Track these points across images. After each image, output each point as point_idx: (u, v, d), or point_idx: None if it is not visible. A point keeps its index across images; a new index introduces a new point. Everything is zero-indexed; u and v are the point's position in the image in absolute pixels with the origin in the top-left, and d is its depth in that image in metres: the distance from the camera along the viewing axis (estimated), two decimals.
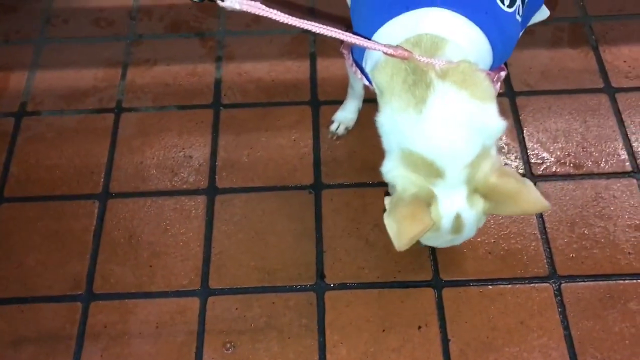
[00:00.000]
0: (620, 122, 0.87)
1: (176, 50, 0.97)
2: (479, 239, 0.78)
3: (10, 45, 0.98)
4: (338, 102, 0.89)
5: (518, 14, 0.65)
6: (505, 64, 0.70)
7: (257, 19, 1.01)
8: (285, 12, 0.55)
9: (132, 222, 0.80)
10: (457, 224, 0.62)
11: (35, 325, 0.73)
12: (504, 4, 0.62)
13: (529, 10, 0.69)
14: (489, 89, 0.59)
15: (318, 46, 0.97)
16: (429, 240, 0.67)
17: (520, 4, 0.65)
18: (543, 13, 0.76)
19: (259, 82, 0.93)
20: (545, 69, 0.93)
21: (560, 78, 0.92)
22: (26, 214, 0.80)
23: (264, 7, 0.56)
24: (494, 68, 0.64)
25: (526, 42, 0.95)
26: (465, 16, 0.58)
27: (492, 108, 0.59)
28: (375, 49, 0.57)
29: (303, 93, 0.93)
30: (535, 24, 0.94)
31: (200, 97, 0.92)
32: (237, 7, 0.59)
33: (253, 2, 0.57)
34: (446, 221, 0.61)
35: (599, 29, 0.97)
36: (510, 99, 0.90)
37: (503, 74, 0.68)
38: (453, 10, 0.58)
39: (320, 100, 0.92)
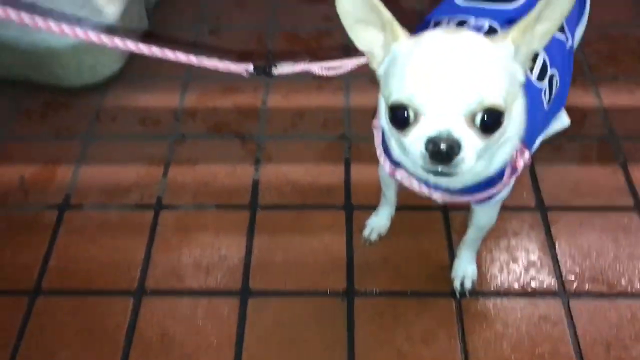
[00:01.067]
0: None
1: (217, 151, 1.02)
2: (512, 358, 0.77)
3: (60, 140, 1.03)
4: (371, 208, 0.91)
5: (544, 95, 0.67)
6: (533, 164, 0.71)
7: (295, 123, 1.07)
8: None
9: (165, 321, 0.80)
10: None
11: None
12: (532, 73, 0.65)
13: (552, 109, 0.71)
14: None
15: (353, 152, 1.01)
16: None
17: (547, 87, 0.68)
18: (563, 121, 0.79)
19: (295, 184, 0.97)
20: (575, 186, 0.95)
21: (590, 195, 0.94)
22: (61, 308, 0.82)
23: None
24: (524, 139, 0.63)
25: (556, 159, 0.99)
26: None
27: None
28: None
29: (337, 197, 0.96)
30: (560, 139, 0.97)
31: (238, 197, 0.95)
32: (286, 71, 0.66)
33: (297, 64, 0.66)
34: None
35: (627, 148, 1.00)
36: (542, 214, 0.92)
37: (527, 155, 0.66)
38: None
39: (354, 205, 0.95)
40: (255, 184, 0.96)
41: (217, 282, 0.85)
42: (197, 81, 1.13)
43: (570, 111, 0.99)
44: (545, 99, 0.67)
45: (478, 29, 0.65)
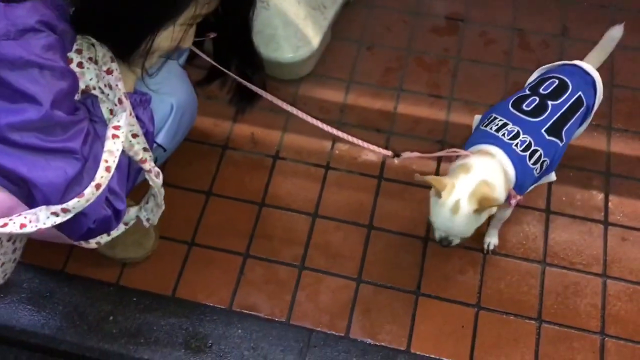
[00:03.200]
0: None
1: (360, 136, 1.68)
2: None
3: (274, 112, 1.71)
4: None
5: (529, 160, 1.20)
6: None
7: (412, 128, 1.69)
8: None
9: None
10: (455, 207, 1.12)
11: None
12: (518, 148, 1.19)
13: (541, 175, 1.29)
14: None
15: None
16: (434, 209, 1.17)
17: (534, 157, 1.20)
18: (550, 177, 1.37)
19: (407, 167, 1.62)
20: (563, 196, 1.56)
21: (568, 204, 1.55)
22: (271, 215, 1.55)
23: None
24: (515, 189, 1.23)
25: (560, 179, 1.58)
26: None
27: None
28: None
29: None
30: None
31: (371, 169, 1.63)
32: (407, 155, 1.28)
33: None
34: (450, 198, 1.13)
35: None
36: (546, 216, 1.54)
37: (519, 198, 1.25)
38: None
39: None
40: (383, 164, 1.63)
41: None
42: (358, 85, 1.77)
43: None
44: (532, 166, 1.22)
45: (511, 132, 1.25)
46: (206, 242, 1.50)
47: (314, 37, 1.64)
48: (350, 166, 1.61)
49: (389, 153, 1.23)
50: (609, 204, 1.55)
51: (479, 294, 1.43)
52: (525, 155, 1.21)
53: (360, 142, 1.23)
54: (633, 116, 1.68)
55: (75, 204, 0.94)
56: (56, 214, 0.94)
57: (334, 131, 1.24)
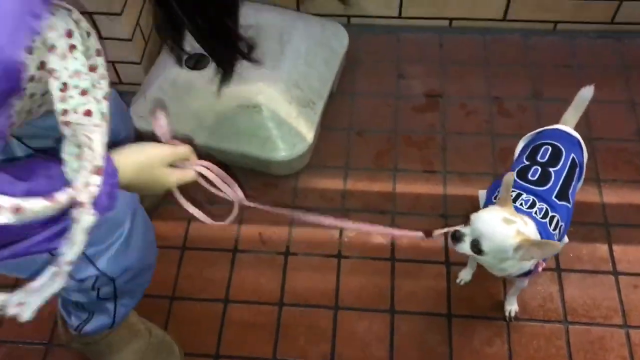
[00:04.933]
0: None
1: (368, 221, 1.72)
2: None
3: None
4: (463, 264, 1.59)
5: (550, 226, 1.27)
6: None
7: (414, 205, 1.74)
8: None
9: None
10: (507, 220, 1.10)
11: None
12: (538, 215, 1.27)
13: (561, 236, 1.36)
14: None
15: None
16: (483, 212, 1.14)
17: (553, 222, 1.28)
18: (564, 241, 1.43)
19: (414, 244, 1.66)
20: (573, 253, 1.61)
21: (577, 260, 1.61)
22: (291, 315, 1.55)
23: None
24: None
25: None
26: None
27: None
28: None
29: (440, 256, 1.65)
30: None
31: (380, 252, 1.66)
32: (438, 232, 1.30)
33: None
34: (507, 212, 1.12)
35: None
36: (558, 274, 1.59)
37: (544, 265, 1.30)
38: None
39: (451, 262, 1.64)
40: (393, 245, 1.67)
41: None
42: (354, 170, 1.82)
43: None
44: (553, 232, 1.31)
45: (527, 201, 1.31)
46: (231, 352, 1.48)
47: (308, 133, 1.70)
48: (362, 252, 1.64)
49: (421, 234, 1.19)
50: (614, 253, 1.60)
51: None
52: (546, 222, 1.25)
53: (393, 231, 1.24)
54: (616, 165, 1.77)
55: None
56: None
57: (363, 226, 1.24)
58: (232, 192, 1.07)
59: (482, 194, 1.42)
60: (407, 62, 2.03)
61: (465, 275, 1.54)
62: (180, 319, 1.54)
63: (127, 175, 0.83)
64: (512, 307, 1.50)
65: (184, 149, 0.96)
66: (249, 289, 1.58)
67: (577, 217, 1.63)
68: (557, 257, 1.60)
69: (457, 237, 1.17)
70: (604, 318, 1.50)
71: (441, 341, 1.48)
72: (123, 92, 1.76)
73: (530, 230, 1.16)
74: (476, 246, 1.14)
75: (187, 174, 0.98)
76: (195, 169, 0.99)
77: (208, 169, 1.01)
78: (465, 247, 1.16)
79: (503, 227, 1.11)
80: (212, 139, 1.68)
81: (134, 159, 0.87)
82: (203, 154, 1.74)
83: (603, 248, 1.62)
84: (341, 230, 1.67)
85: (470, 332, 1.49)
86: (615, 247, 1.61)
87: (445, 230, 1.25)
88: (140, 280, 1.22)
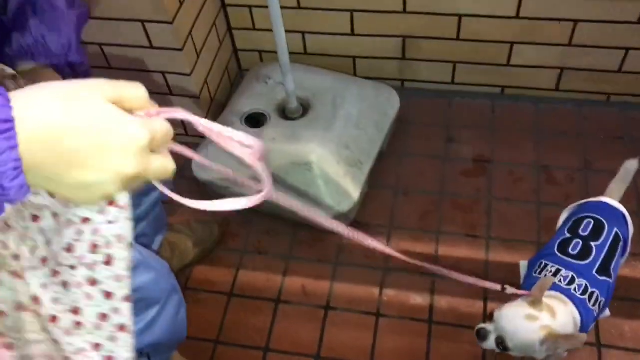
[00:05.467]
0: None
1: (413, 282, 1.76)
2: None
3: (321, 263, 1.82)
4: None
5: (589, 302, 1.27)
6: None
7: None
8: None
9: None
10: (530, 317, 1.14)
11: None
12: (577, 292, 1.28)
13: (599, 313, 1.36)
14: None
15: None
16: (510, 308, 1.18)
17: (593, 298, 1.28)
18: (606, 314, 1.42)
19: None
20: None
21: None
22: None
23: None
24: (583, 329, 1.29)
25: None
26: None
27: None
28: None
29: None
30: None
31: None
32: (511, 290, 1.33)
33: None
34: (533, 310, 1.15)
35: None
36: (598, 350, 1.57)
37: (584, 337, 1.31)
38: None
39: None
40: (431, 307, 1.70)
41: None
42: (398, 230, 1.88)
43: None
44: (592, 307, 1.31)
45: (566, 277, 1.32)
46: None
47: (354, 192, 1.77)
48: (401, 312, 1.67)
49: (499, 287, 1.19)
50: None
51: None
52: (585, 299, 1.26)
53: (469, 279, 1.19)
54: None
55: None
56: None
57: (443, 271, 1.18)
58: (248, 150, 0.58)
59: (523, 264, 1.44)
60: (458, 126, 2.09)
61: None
62: None
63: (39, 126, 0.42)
64: None
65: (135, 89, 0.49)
66: (289, 340, 1.64)
67: (622, 292, 1.63)
68: (597, 333, 1.58)
69: (481, 335, 1.20)
70: None
71: None
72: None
73: (560, 319, 1.18)
74: (501, 344, 1.18)
75: (167, 163, 0.52)
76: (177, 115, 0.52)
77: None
78: (490, 345, 1.20)
79: (527, 324, 1.13)
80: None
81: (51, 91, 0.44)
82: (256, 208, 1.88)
83: None
84: (381, 289, 1.72)
85: None
86: None
87: (515, 291, 1.27)
88: (165, 356, 1.28)
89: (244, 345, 1.64)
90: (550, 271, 1.31)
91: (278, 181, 1.78)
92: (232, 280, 1.78)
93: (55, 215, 0.84)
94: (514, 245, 1.76)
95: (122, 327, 0.86)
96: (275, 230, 1.88)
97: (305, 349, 1.62)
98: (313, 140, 1.76)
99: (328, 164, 1.75)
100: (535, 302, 1.17)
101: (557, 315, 1.17)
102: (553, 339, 1.12)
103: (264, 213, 1.88)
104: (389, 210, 1.90)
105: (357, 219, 1.86)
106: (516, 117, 2.10)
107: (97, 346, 0.84)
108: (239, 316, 1.71)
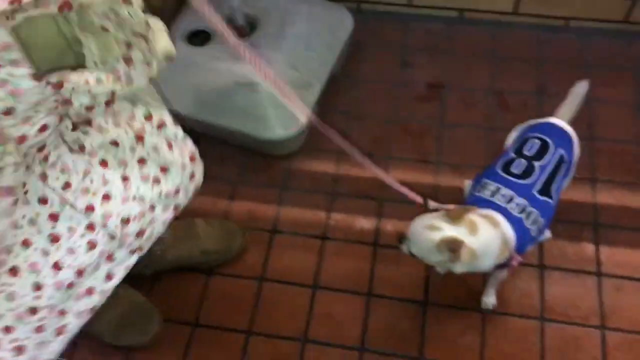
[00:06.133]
0: None
1: (358, 207, 1.73)
2: None
3: (268, 188, 1.78)
4: None
5: (527, 221, 1.24)
6: None
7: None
8: None
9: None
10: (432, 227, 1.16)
11: None
12: (514, 211, 1.24)
13: (539, 235, 1.34)
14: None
15: None
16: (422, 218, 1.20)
17: (531, 218, 1.24)
18: (546, 235, 1.42)
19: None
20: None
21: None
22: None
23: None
24: (516, 250, 1.26)
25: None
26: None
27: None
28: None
29: None
30: None
31: (365, 236, 1.67)
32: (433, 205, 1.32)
33: None
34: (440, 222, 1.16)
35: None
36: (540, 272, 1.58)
37: (519, 260, 1.28)
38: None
39: None
40: (378, 231, 1.68)
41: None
42: (348, 155, 1.83)
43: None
44: (530, 227, 1.29)
45: (505, 196, 1.30)
46: (209, 322, 1.53)
47: (302, 115, 1.71)
48: (347, 235, 1.66)
49: (420, 199, 1.25)
50: (600, 255, 1.58)
51: (482, 356, 1.45)
52: (522, 218, 1.25)
53: (396, 184, 1.25)
54: (614, 166, 1.74)
55: None
56: None
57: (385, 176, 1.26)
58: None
59: (467, 183, 1.42)
60: (414, 51, 2.03)
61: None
62: (162, 291, 1.59)
63: None
64: (489, 299, 1.50)
65: None
66: (233, 263, 1.62)
67: (567, 215, 1.63)
68: (541, 254, 1.59)
69: (400, 240, 1.23)
70: (582, 318, 1.49)
71: (414, 327, 1.49)
72: None
73: (482, 238, 1.17)
74: (405, 238, 1.22)
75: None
76: None
77: None
78: (405, 250, 1.24)
79: (427, 233, 1.16)
80: (209, 116, 1.72)
81: None
82: (202, 131, 1.81)
83: (590, 248, 1.60)
84: (329, 213, 1.69)
85: (444, 321, 1.50)
86: (602, 248, 1.59)
87: (440, 206, 1.27)
88: None
89: (186, 269, 1.61)
90: (491, 190, 1.29)
91: (224, 103, 1.71)
92: None
93: None
94: (465, 171, 1.74)
95: None
96: (223, 155, 1.82)
97: (250, 272, 1.60)
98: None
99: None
100: (453, 216, 1.17)
101: (479, 232, 1.16)
102: (448, 246, 1.13)
103: (212, 138, 1.82)
104: (340, 135, 1.85)
105: (306, 144, 1.82)
106: (473, 42, 2.04)
107: None
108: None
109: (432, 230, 1.16)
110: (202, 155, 1.85)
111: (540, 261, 1.58)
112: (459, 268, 1.19)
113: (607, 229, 1.63)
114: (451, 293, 1.54)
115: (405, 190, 1.22)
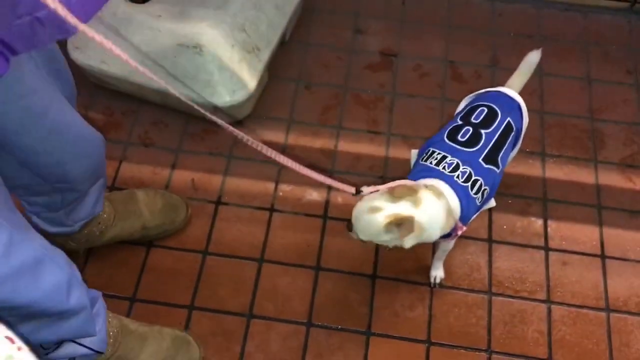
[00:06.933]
0: None
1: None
2: None
3: (213, 156, 1.69)
4: None
5: (472, 190, 1.24)
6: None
7: (354, 165, 1.70)
8: None
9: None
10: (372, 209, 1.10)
11: None
12: (460, 179, 1.23)
13: (483, 203, 1.32)
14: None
15: None
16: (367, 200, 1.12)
17: (476, 186, 1.24)
18: (491, 203, 1.39)
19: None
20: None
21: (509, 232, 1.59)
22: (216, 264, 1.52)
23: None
24: (460, 219, 1.23)
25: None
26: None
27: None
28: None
29: None
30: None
31: (314, 209, 1.62)
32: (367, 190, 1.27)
33: None
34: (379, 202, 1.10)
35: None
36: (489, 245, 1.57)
37: (464, 229, 1.25)
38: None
39: None
40: (327, 203, 1.63)
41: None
42: (298, 124, 1.77)
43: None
44: (475, 196, 1.25)
45: (451, 164, 1.27)
46: (149, 297, 1.45)
47: (250, 80, 1.63)
48: (295, 207, 1.60)
49: (352, 190, 1.14)
50: (548, 229, 1.59)
51: (429, 330, 1.43)
52: (467, 186, 1.22)
53: (327, 179, 1.10)
54: (564, 141, 1.74)
55: None
56: None
57: (301, 168, 1.09)
58: None
59: (414, 153, 1.38)
60: (366, 17, 1.97)
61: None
62: (98, 264, 1.50)
63: None
64: (437, 272, 1.48)
65: None
66: (174, 235, 1.54)
67: (516, 190, 1.62)
68: (490, 228, 1.58)
69: (349, 228, 1.18)
70: (529, 292, 1.49)
71: (362, 301, 1.46)
72: None
73: (426, 209, 1.12)
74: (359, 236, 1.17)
75: None
76: None
77: None
78: (355, 237, 1.18)
79: (369, 217, 1.10)
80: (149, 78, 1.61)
81: None
82: (140, 94, 1.70)
83: (538, 223, 1.60)
84: (276, 184, 1.63)
85: (392, 294, 1.48)
86: (550, 223, 1.60)
87: (373, 189, 1.21)
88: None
89: (124, 241, 1.52)
90: (436, 158, 1.26)
91: (166, 65, 1.61)
92: (113, 174, 1.63)
93: None
94: (415, 142, 1.71)
95: None
96: (164, 121, 1.72)
97: (193, 245, 1.53)
98: (204, 20, 1.58)
99: (221, 47, 1.58)
100: (395, 194, 1.12)
101: (422, 205, 1.12)
102: (394, 224, 1.09)
103: (151, 102, 1.72)
104: (289, 103, 1.78)
105: (255, 111, 1.74)
106: (427, 10, 1.99)
107: None
108: None
109: (375, 212, 1.11)
110: (139, 120, 1.76)
111: (489, 235, 1.57)
112: (408, 243, 1.15)
113: (555, 203, 1.63)
114: (400, 267, 1.52)
115: (337, 184, 1.10)
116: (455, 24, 1.97)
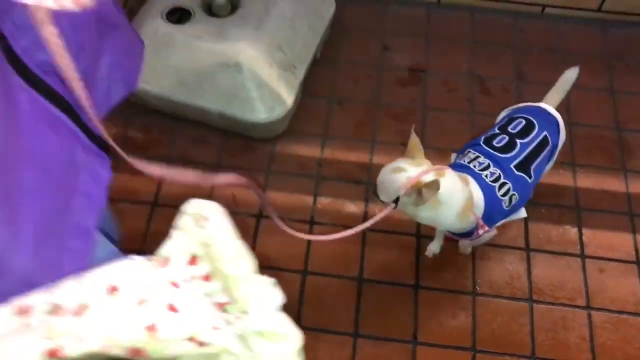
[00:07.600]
0: None
1: (342, 190, 1.71)
2: None
3: (251, 172, 1.73)
4: (431, 238, 1.60)
5: (499, 191, 1.25)
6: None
7: None
8: None
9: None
10: (397, 169, 1.15)
11: None
12: (488, 178, 1.24)
13: (512, 210, 1.33)
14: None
15: None
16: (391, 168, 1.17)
17: (503, 189, 1.25)
18: (520, 214, 1.43)
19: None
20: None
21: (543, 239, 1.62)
22: None
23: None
24: (484, 219, 1.22)
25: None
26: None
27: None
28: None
29: (411, 228, 1.65)
30: None
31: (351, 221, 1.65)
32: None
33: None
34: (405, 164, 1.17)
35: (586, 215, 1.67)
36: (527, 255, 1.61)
37: (492, 233, 1.31)
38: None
39: (422, 235, 1.64)
40: (365, 214, 1.66)
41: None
42: (332, 139, 1.80)
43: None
44: (502, 198, 1.25)
45: (482, 164, 1.29)
46: None
47: (288, 97, 1.67)
48: (334, 219, 1.63)
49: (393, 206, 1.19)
50: (583, 237, 1.62)
51: (474, 337, 1.45)
52: (495, 186, 1.25)
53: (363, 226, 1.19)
54: (592, 151, 1.78)
55: None
56: None
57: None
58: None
59: (453, 156, 1.42)
60: (394, 35, 2.02)
61: (434, 247, 1.55)
62: None
63: None
64: (434, 246, 1.55)
65: None
66: None
67: (550, 199, 1.66)
68: (526, 237, 1.61)
69: (375, 192, 1.22)
70: (568, 299, 1.52)
71: (407, 311, 1.49)
72: None
73: (448, 181, 1.15)
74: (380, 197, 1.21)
75: None
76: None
77: None
78: (378, 197, 1.21)
79: (392, 175, 1.16)
80: (191, 97, 1.65)
81: None
82: (180, 113, 1.73)
83: (573, 231, 1.63)
84: (315, 197, 1.66)
85: (435, 304, 1.50)
86: (584, 231, 1.63)
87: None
88: None
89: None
90: (470, 157, 1.30)
91: (206, 83, 1.65)
92: (155, 190, 1.66)
93: None
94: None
95: None
96: (202, 138, 1.76)
97: None
98: (243, 39, 1.63)
99: (259, 65, 1.63)
100: (408, 153, 1.19)
101: (446, 177, 1.15)
102: (416, 188, 1.12)
103: (190, 120, 1.75)
104: (323, 119, 1.82)
105: (290, 128, 1.77)
106: (452, 27, 2.05)
107: None
108: (163, 226, 1.59)
109: (396, 173, 1.15)
110: (178, 137, 1.80)
111: (526, 244, 1.60)
112: (423, 212, 1.18)
113: (588, 212, 1.66)
114: (441, 277, 1.54)
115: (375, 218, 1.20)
116: (479, 40, 2.02)
